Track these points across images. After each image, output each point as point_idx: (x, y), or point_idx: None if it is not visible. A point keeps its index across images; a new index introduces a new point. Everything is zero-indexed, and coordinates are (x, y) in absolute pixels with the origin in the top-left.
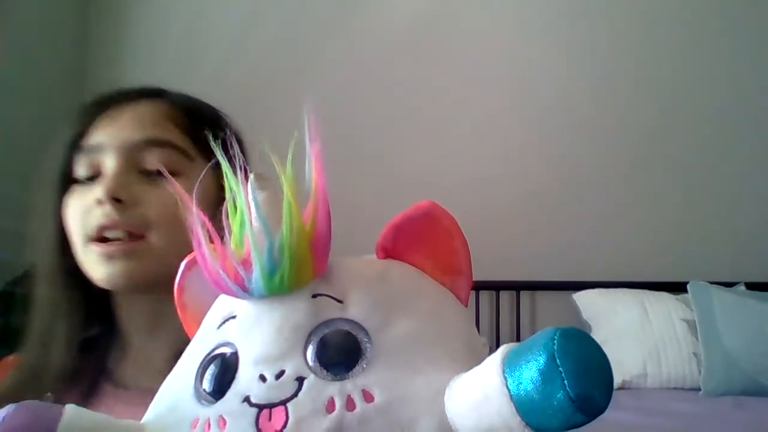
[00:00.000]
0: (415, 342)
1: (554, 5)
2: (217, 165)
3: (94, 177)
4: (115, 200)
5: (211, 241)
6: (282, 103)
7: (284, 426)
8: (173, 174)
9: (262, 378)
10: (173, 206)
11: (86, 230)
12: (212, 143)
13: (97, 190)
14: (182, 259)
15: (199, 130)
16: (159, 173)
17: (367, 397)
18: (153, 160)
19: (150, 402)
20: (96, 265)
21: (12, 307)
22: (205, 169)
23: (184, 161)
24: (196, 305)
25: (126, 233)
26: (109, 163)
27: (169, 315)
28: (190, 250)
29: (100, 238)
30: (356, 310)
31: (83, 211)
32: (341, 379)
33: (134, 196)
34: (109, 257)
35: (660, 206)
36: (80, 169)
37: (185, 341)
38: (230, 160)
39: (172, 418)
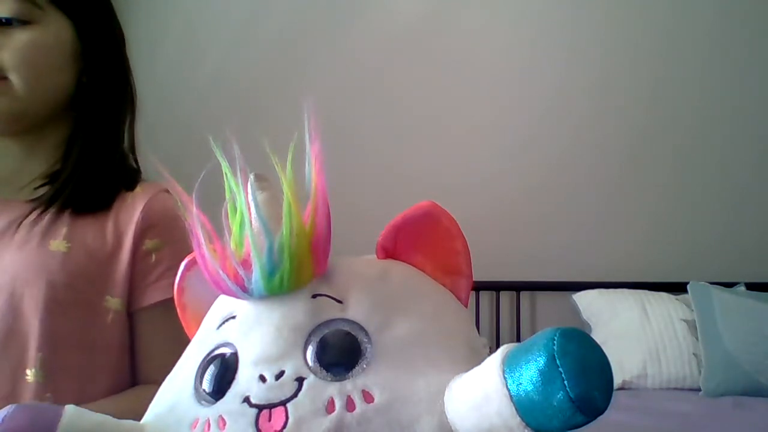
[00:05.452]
0: (415, 342)
1: (553, 5)
2: (73, 17)
3: None
4: None
5: (211, 240)
6: (282, 103)
7: (284, 426)
8: (26, 23)
9: (262, 378)
10: (30, 51)
11: None
12: (212, 144)
13: None
14: (45, 102)
15: None
16: (10, 22)
17: (367, 397)
18: (3, 9)
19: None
20: None
21: None
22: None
23: (35, 10)
24: (196, 305)
25: None
26: None
27: (31, 156)
28: (53, 95)
29: None
30: (356, 310)
31: None
32: (341, 380)
33: None
34: None
35: (660, 206)
36: None
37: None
38: None
39: (172, 418)
